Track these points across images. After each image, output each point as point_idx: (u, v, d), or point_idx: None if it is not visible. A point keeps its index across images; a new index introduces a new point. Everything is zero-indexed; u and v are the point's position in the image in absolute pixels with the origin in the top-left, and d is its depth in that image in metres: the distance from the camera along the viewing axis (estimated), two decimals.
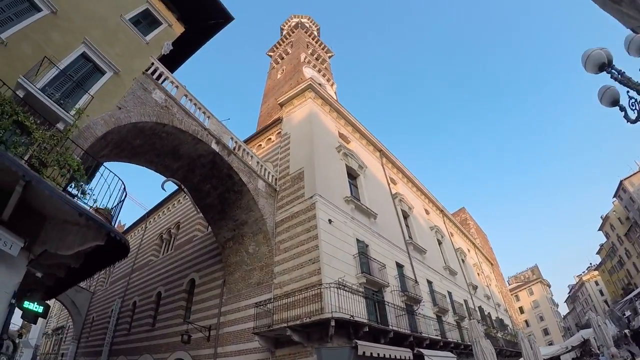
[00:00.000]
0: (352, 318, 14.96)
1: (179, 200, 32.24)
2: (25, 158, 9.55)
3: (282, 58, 46.42)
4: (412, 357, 16.89)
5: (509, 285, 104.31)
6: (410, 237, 25.85)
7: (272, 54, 49.66)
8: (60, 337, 52.33)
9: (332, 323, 14.02)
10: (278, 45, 49.15)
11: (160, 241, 32.06)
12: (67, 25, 13.49)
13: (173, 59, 20.06)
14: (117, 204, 11.22)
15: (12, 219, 9.03)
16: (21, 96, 10.90)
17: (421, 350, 17.95)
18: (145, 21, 17.65)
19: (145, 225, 36.16)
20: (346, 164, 23.95)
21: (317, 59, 45.06)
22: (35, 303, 9.70)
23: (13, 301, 8.85)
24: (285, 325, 14.86)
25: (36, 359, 65.04)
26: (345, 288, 16.24)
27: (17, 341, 55.30)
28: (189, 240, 27.10)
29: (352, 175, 24.03)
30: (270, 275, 18.77)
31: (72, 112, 11.96)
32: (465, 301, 30.15)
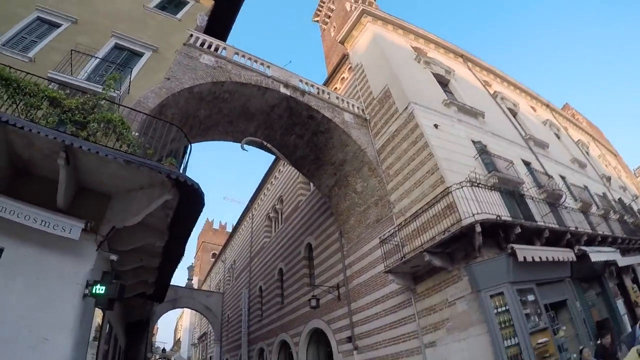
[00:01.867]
0: (499, 218, 12.12)
1: (275, 176, 30.96)
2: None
3: (329, 17, 43.49)
4: (574, 257, 13.76)
5: (638, 177, 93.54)
6: (527, 133, 22.18)
7: (317, 18, 46.81)
8: (205, 342, 54.67)
9: (478, 229, 11.32)
10: (320, 7, 46.19)
11: (269, 221, 31.02)
12: (91, 27, 13.71)
13: (214, 32, 18.53)
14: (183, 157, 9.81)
15: (71, 205, 8.48)
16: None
17: (583, 248, 14.65)
18: (172, 4, 17.60)
19: (251, 214, 35.45)
20: (431, 72, 20.80)
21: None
22: (105, 286, 8.14)
23: (86, 291, 7.87)
24: (422, 250, 12.40)
25: None
26: (480, 185, 13.52)
27: (172, 358, 58.93)
28: (295, 208, 25.54)
29: (441, 83, 20.82)
30: (387, 207, 16.46)
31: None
32: (604, 194, 25.79)
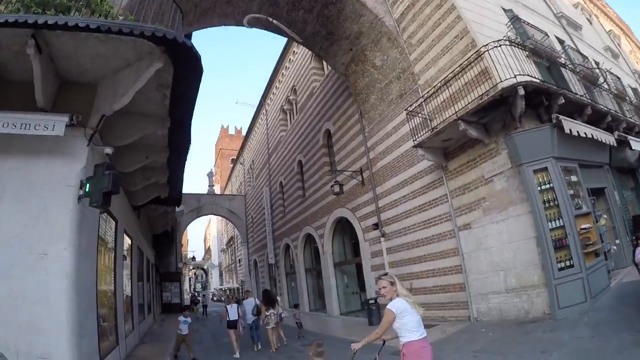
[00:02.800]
0: (543, 83, 10.31)
1: (286, 67, 28.69)
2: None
3: None
4: (614, 142, 12.03)
5: None
6: (559, 10, 19.27)
7: None
8: (233, 247, 55.54)
9: (521, 92, 9.50)
10: None
11: (284, 114, 29.29)
12: None
13: None
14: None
15: (54, 103, 7.30)
16: None
17: (623, 134, 12.77)
18: None
19: (265, 110, 33.62)
20: None
21: None
22: (97, 179, 6.69)
23: (81, 192, 6.72)
24: (456, 117, 10.65)
25: (222, 273, 71.52)
26: (519, 45, 11.44)
27: (205, 267, 60.69)
28: (309, 95, 23.62)
29: None
30: (411, 79, 14.47)
31: None
32: (636, 89, 22.99)
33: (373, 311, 14.47)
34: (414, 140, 12.48)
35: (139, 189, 12.46)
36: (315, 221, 22.02)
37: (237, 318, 12.04)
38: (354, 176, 17.15)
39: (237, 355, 11.49)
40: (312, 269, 24.56)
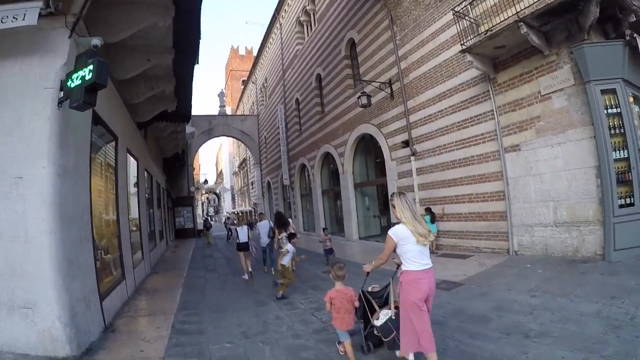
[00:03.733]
0: None
1: None
2: None
3: None
4: None
5: None
6: None
7: None
8: (245, 169, 54.66)
9: None
10: None
11: (300, 26, 26.98)
12: None
13: None
14: None
15: None
16: None
17: None
18: None
19: (279, 24, 31.19)
20: None
21: None
22: (79, 72, 5.07)
23: (61, 95, 5.30)
24: (517, 18, 8.80)
25: (234, 197, 71.32)
26: None
27: (218, 191, 60.25)
28: (330, 2, 21.38)
29: None
30: None
31: None
32: None
33: None
34: (462, 45, 10.61)
35: (142, 100, 11.05)
36: (335, 139, 20.56)
37: (247, 240, 11.59)
38: (383, 88, 15.43)
39: (246, 276, 11.20)
40: (330, 190, 23.41)
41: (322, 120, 22.42)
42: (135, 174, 12.58)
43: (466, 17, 10.87)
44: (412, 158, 14.12)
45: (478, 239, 11.75)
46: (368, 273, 4.60)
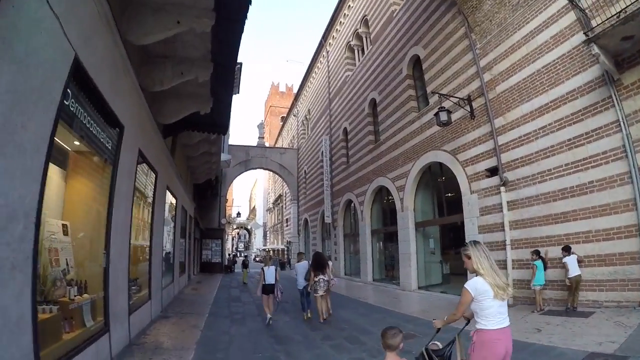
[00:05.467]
0: None
1: (349, 4, 24.41)
2: None
3: None
4: None
5: None
6: None
7: None
8: (280, 205, 52.57)
9: None
10: None
11: (350, 52, 25.03)
12: None
13: None
14: None
15: None
16: None
17: None
18: None
19: (325, 51, 29.35)
20: None
21: None
22: None
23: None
24: None
25: (266, 234, 69.04)
26: None
27: (249, 227, 58.78)
28: (387, 21, 19.20)
29: None
30: None
31: None
32: None
33: None
34: (586, 34, 8.08)
35: (166, 89, 8.58)
36: (393, 170, 17.77)
37: (274, 282, 10.23)
38: (462, 105, 12.70)
39: (267, 319, 9.87)
40: (381, 231, 20.46)
41: (377, 150, 19.70)
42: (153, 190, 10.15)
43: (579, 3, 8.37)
44: (502, 189, 11.17)
45: (597, 289, 8.81)
46: (438, 330, 4.01)
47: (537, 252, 9.49)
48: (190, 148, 16.39)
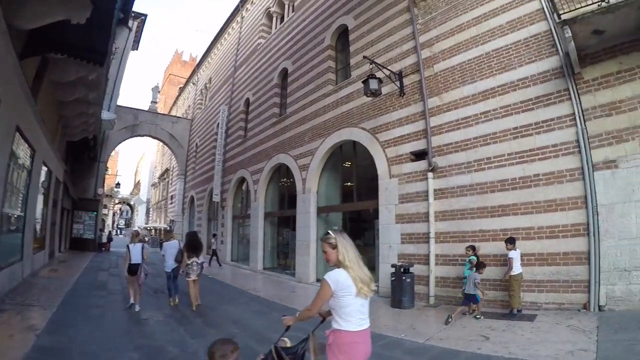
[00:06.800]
0: None
1: None
2: None
3: None
4: None
5: None
6: None
7: None
8: (166, 180, 49.02)
9: None
10: None
11: (269, 20, 22.78)
12: None
13: None
14: None
15: None
16: None
17: None
18: None
19: (241, 17, 26.68)
20: None
21: None
22: None
23: None
24: None
25: (149, 211, 64.45)
26: None
27: (132, 203, 55.15)
28: None
29: None
30: None
31: None
32: None
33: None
34: (559, 16, 7.25)
35: None
36: (297, 147, 16.01)
37: (140, 262, 9.28)
38: (393, 79, 11.22)
39: (136, 307, 8.95)
40: (276, 214, 18.64)
41: (281, 124, 17.77)
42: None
43: None
44: (430, 175, 9.91)
45: (537, 290, 8.12)
46: (288, 327, 3.47)
47: (471, 248, 8.31)
48: (63, 89, 13.27)
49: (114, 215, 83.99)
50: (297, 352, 3.50)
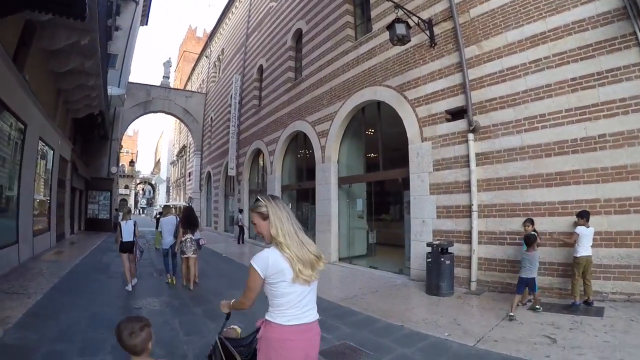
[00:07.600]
0: None
1: None
2: None
3: None
4: None
5: None
6: None
7: None
8: (183, 157, 48.23)
9: None
10: None
11: None
12: None
13: None
14: None
15: None
16: None
17: None
18: None
19: None
20: None
21: None
22: None
23: None
24: None
25: (169, 189, 64.42)
26: None
27: (153, 182, 55.27)
28: None
29: None
30: None
31: None
32: None
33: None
34: None
35: None
36: (314, 112, 14.57)
37: (132, 239, 8.93)
38: (423, 28, 9.64)
39: (130, 287, 8.67)
40: (294, 187, 17.39)
41: (296, 89, 16.31)
42: None
43: None
44: (471, 136, 8.40)
45: (602, 277, 6.64)
46: (228, 315, 2.79)
47: (531, 221, 6.86)
48: (56, 59, 12.29)
49: (136, 195, 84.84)
50: (250, 344, 2.72)
